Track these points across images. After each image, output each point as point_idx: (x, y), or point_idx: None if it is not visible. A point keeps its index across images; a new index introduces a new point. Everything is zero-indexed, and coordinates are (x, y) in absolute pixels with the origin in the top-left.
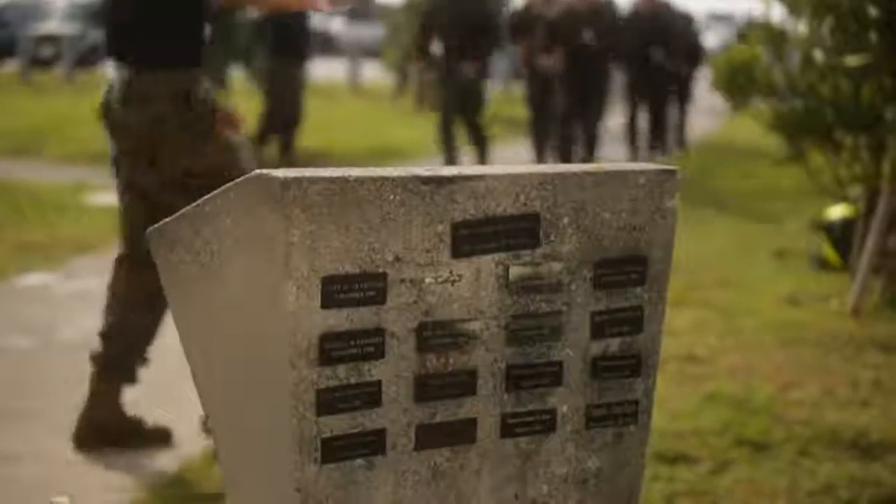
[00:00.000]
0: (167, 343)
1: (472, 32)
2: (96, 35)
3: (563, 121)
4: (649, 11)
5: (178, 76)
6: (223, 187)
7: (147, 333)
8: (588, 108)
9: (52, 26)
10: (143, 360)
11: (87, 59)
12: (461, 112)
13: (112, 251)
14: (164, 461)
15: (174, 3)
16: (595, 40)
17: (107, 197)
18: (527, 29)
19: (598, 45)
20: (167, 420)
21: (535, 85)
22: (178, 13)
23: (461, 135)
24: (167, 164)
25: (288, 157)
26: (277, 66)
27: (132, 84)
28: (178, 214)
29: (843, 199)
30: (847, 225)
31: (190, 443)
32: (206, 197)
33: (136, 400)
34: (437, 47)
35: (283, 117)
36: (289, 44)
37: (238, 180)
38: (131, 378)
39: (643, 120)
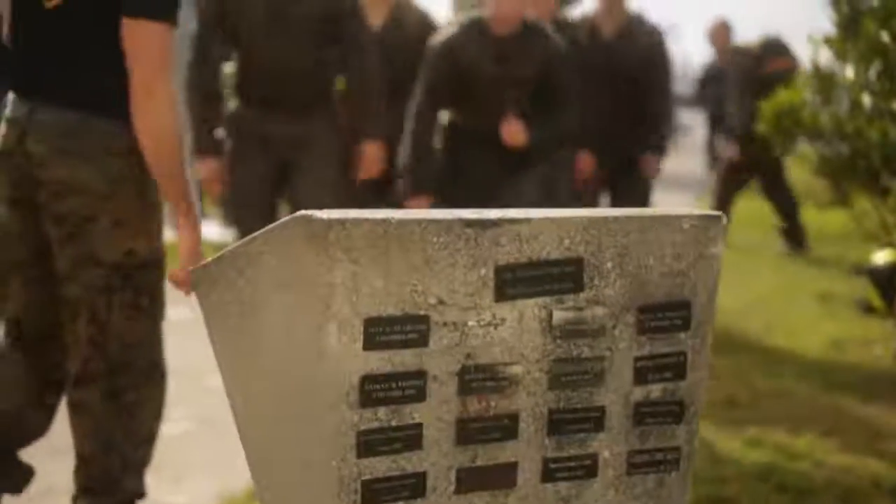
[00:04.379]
0: (209, 380)
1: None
2: None
3: None
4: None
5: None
6: (266, 228)
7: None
8: None
9: None
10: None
11: None
12: None
13: (166, 282)
14: (206, 499)
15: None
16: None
17: None
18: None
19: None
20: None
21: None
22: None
23: None
24: (102, 240)
25: None
26: None
27: (79, 131)
28: (219, 255)
29: (889, 244)
30: (892, 270)
31: (233, 479)
32: (247, 238)
33: (184, 434)
34: None
35: None
36: None
37: (282, 220)
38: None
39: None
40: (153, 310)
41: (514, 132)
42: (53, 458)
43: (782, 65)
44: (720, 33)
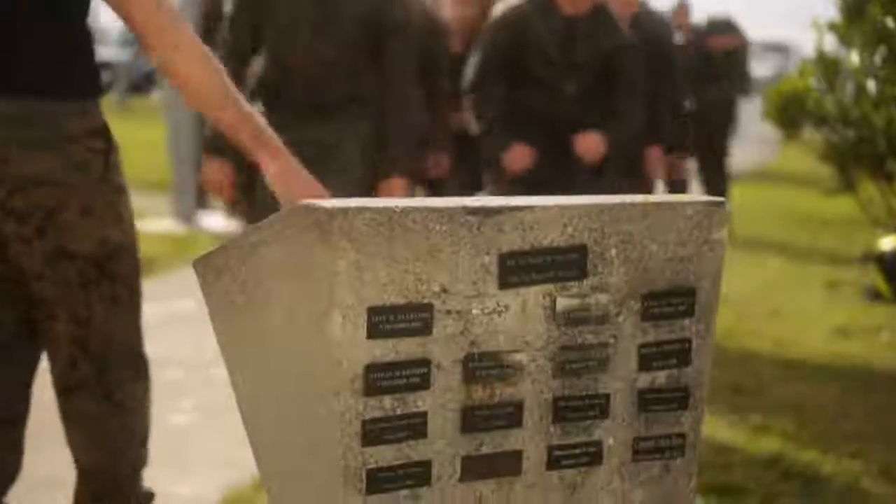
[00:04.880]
0: (216, 371)
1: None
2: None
3: None
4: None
5: (90, 108)
6: (268, 218)
7: None
8: None
9: (105, 53)
10: None
11: (140, 86)
12: None
13: (173, 274)
14: (212, 490)
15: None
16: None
17: (165, 223)
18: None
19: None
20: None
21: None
22: (71, 16)
23: None
24: (72, 231)
25: None
26: None
27: (36, 119)
28: (223, 244)
29: (895, 229)
30: None
31: (238, 470)
32: (250, 227)
33: (189, 425)
34: None
35: None
36: None
37: (284, 210)
38: None
39: None
40: (132, 300)
41: (591, 146)
42: (53, 446)
43: (726, 42)
44: (681, 14)
